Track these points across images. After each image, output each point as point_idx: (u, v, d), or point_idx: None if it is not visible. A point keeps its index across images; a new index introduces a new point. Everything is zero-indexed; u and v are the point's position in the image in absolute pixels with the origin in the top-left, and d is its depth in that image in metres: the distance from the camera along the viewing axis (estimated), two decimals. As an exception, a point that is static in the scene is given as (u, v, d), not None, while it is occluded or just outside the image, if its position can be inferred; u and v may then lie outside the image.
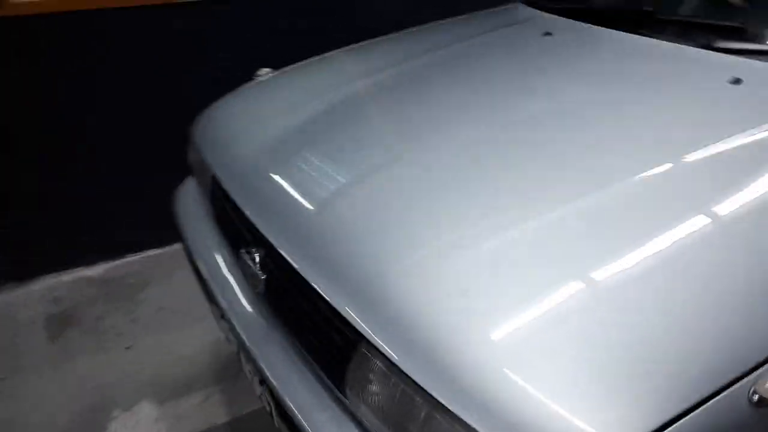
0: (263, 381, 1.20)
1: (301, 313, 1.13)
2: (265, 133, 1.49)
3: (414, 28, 2.05)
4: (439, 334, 0.84)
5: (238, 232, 1.34)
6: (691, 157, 1.09)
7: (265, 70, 1.87)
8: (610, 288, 0.86)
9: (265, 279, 1.20)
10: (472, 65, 1.67)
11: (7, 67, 2.35)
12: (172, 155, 2.58)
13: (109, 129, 2.59)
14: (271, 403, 1.21)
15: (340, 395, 1.03)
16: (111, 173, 2.64)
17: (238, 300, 1.35)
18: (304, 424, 1.05)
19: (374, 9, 2.96)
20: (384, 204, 1.12)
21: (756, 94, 1.26)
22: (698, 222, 0.95)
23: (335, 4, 2.92)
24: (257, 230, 1.22)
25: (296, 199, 1.22)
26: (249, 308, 1.32)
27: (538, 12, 1.89)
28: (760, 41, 1.39)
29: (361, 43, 1.99)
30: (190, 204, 1.72)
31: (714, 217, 0.96)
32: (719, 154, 1.09)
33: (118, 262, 2.75)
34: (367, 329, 0.93)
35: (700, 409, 0.72)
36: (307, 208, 1.18)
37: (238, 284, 1.39)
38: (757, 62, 1.34)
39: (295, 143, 1.43)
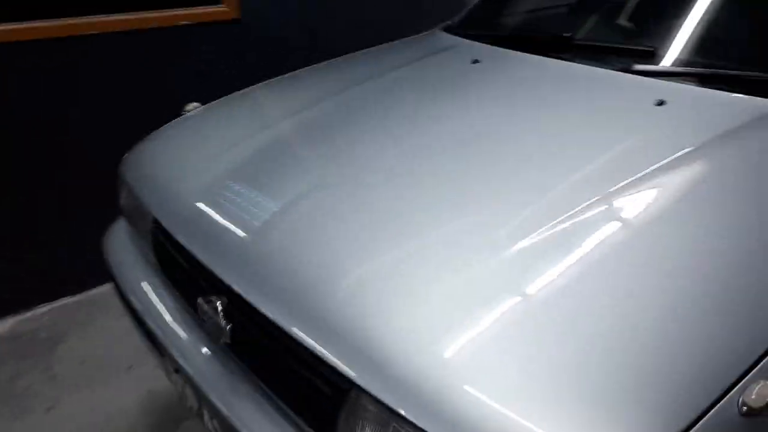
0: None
1: (276, 363, 1.08)
2: (208, 171, 1.44)
3: (341, 58, 2.05)
4: (429, 372, 0.84)
5: (190, 280, 1.28)
6: (625, 173, 1.15)
7: (193, 104, 1.81)
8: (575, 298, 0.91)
9: (231, 328, 1.14)
10: (406, 92, 1.69)
11: None
12: (85, 196, 2.47)
13: (12, 168, 2.40)
14: None
15: None
16: (15, 216, 2.45)
17: (197, 353, 1.28)
18: None
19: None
20: (355, 241, 1.11)
21: (679, 114, 1.37)
22: (652, 240, 1.01)
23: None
24: (216, 277, 1.17)
25: (257, 242, 1.18)
26: (210, 360, 1.25)
27: (461, 39, 1.95)
28: (678, 65, 1.51)
29: (289, 74, 1.97)
30: (123, 250, 1.62)
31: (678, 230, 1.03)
32: (650, 168, 1.16)
33: (27, 314, 2.54)
34: (358, 377, 0.90)
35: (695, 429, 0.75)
36: (271, 252, 1.14)
37: (194, 335, 1.31)
38: (677, 84, 1.45)
39: (238, 180, 1.39)
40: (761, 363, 0.81)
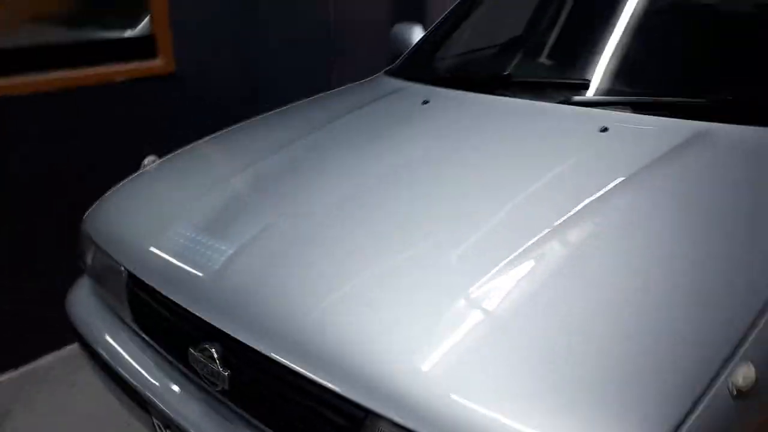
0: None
1: (282, 403, 1.09)
2: (180, 223, 1.44)
3: (293, 105, 2.11)
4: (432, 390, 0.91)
5: (175, 332, 1.27)
6: (582, 194, 1.27)
7: (151, 157, 1.80)
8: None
9: (229, 375, 1.14)
10: (364, 134, 1.77)
11: None
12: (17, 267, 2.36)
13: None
14: None
15: None
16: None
17: (190, 405, 1.26)
18: None
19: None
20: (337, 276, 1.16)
21: (621, 138, 1.51)
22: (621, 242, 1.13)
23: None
24: (209, 325, 1.17)
25: (248, 287, 1.19)
26: (205, 411, 1.23)
27: (407, 82, 2.05)
28: (612, 95, 1.67)
29: (244, 123, 2.00)
30: (91, 310, 1.57)
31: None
32: (611, 184, 1.30)
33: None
34: (375, 406, 0.94)
35: (690, 420, 0.83)
36: (264, 294, 1.16)
37: (183, 387, 1.30)
38: (615, 112, 1.60)
39: (213, 229, 1.40)
40: (741, 348, 0.90)
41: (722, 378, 0.87)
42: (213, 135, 1.95)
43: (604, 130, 1.52)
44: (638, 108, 1.60)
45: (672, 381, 0.87)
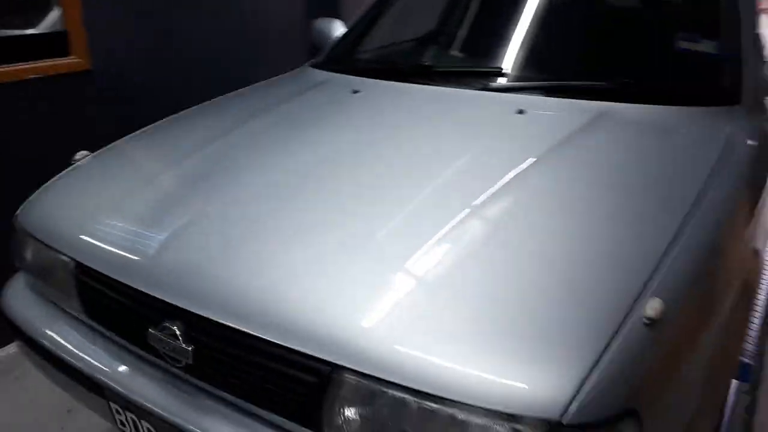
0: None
1: (247, 371, 1.15)
2: (124, 212, 1.47)
3: (220, 98, 2.14)
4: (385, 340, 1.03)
5: (134, 315, 1.30)
6: (504, 168, 1.42)
7: (82, 152, 1.80)
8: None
9: (193, 350, 1.19)
10: (298, 123, 1.84)
11: None
12: None
13: None
14: None
15: None
16: None
17: (149, 384, 1.29)
18: None
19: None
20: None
21: (537, 119, 1.68)
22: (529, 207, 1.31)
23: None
24: (169, 305, 1.22)
25: (206, 265, 1.25)
26: (166, 388, 1.28)
27: (333, 74, 2.14)
28: (526, 80, 1.85)
29: (173, 116, 2.02)
30: (31, 304, 1.56)
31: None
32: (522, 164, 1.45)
33: None
34: (340, 360, 1.03)
35: (609, 350, 0.97)
36: (224, 270, 1.23)
37: (140, 369, 1.33)
38: (529, 96, 1.77)
39: (159, 215, 1.44)
40: (650, 288, 1.06)
41: (635, 312, 1.02)
42: (145, 128, 1.96)
43: (521, 112, 1.69)
44: (550, 91, 1.78)
45: (593, 318, 1.02)
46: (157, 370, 1.31)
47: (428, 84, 1.93)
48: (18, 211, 1.62)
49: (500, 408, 0.93)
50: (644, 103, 1.68)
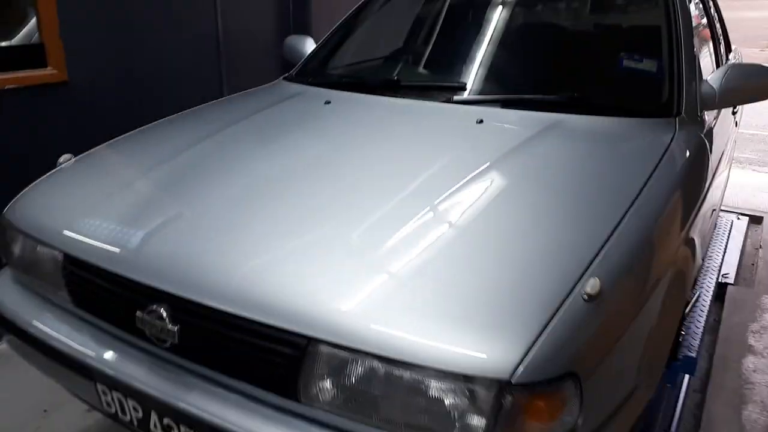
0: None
1: (228, 348, 1.26)
2: (110, 208, 1.57)
3: (197, 108, 2.26)
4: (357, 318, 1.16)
5: (122, 301, 1.39)
6: (465, 170, 1.57)
7: (66, 156, 1.89)
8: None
9: (179, 330, 1.29)
10: (273, 131, 1.97)
11: None
12: None
13: None
14: None
15: (288, 402, 1.21)
16: None
17: (136, 364, 1.39)
18: None
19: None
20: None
21: (494, 128, 1.84)
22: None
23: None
24: (154, 290, 1.32)
25: (188, 253, 1.36)
26: (152, 368, 1.37)
27: (306, 87, 2.29)
28: (485, 94, 2.01)
29: (153, 124, 2.13)
30: (18, 297, 1.64)
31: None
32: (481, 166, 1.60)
33: None
34: (314, 334, 1.15)
35: (553, 321, 1.11)
36: (202, 256, 1.34)
37: (126, 351, 1.42)
38: (488, 108, 1.93)
39: (142, 211, 1.56)
40: (590, 268, 1.21)
41: (576, 290, 1.16)
42: (125, 135, 2.06)
43: (480, 122, 1.85)
44: (506, 104, 1.95)
45: (539, 295, 1.16)
46: (142, 353, 1.41)
47: (396, 96, 2.08)
48: (5, 210, 1.70)
49: (458, 370, 1.06)
50: (592, 115, 1.85)
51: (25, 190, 1.74)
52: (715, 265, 3.02)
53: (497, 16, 2.29)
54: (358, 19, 2.66)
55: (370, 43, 2.66)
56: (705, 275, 2.80)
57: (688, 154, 1.75)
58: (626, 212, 1.37)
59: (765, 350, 2.68)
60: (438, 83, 2.15)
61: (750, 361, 2.60)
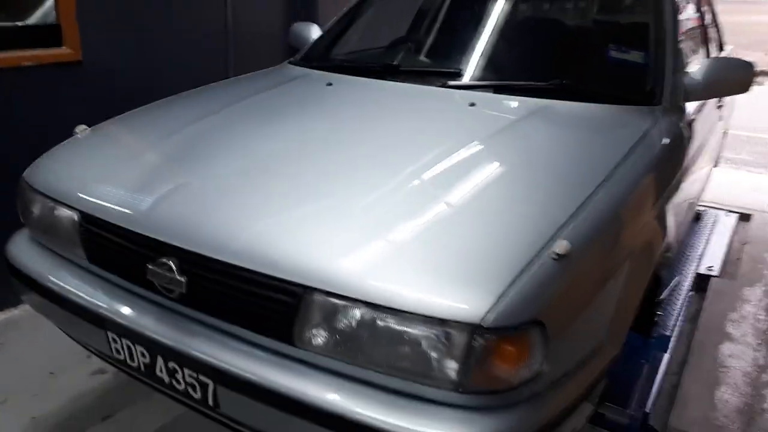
0: (198, 374, 1.41)
1: (232, 298, 1.38)
2: (125, 173, 1.70)
3: (209, 85, 2.38)
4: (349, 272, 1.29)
5: (134, 256, 1.51)
6: (455, 146, 1.70)
7: (82, 126, 2.01)
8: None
9: (186, 281, 1.42)
10: (279, 107, 2.10)
11: None
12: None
13: None
14: (211, 389, 1.41)
15: (284, 346, 1.34)
16: None
17: (146, 314, 1.51)
18: (265, 383, 1.32)
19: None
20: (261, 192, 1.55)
21: (485, 110, 1.96)
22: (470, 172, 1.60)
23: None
24: (165, 245, 1.44)
25: (197, 211, 1.49)
26: (160, 317, 1.49)
27: (310, 70, 2.41)
28: (477, 80, 2.14)
29: (162, 100, 2.25)
30: (35, 255, 1.76)
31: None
32: (474, 140, 1.75)
33: None
34: (310, 283, 1.28)
35: (523, 275, 1.24)
36: (213, 213, 1.47)
37: (137, 303, 1.55)
38: (480, 92, 2.05)
39: (153, 175, 1.69)
40: (560, 233, 1.34)
41: (546, 250, 1.29)
42: (137, 108, 2.18)
43: (472, 105, 1.97)
44: (498, 90, 2.07)
45: (512, 252, 1.29)
46: (151, 304, 1.53)
47: (395, 80, 2.20)
48: (24, 173, 1.82)
49: (437, 315, 1.19)
50: (579, 101, 1.97)
51: (43, 155, 1.86)
52: (696, 254, 3.14)
53: (493, 9, 2.41)
54: (361, 9, 2.78)
55: (372, 32, 2.79)
56: (685, 264, 2.92)
57: (664, 140, 1.87)
58: (598, 187, 1.50)
59: (742, 337, 2.80)
60: (434, 69, 2.28)
61: (726, 347, 2.72)
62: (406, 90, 2.14)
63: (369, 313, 1.24)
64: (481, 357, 1.18)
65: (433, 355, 1.21)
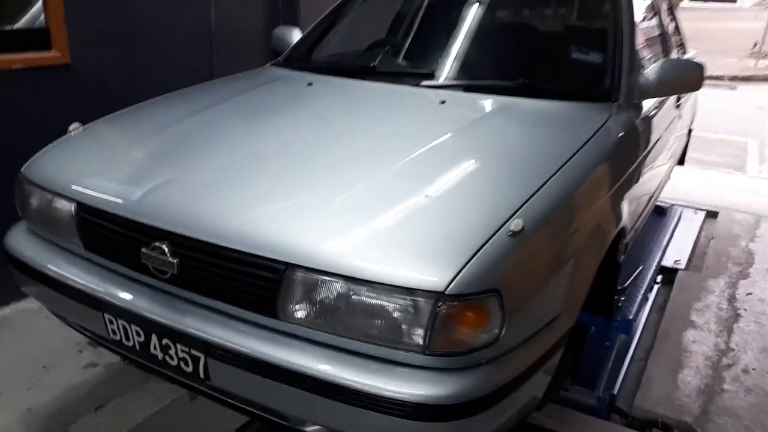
0: (191, 348, 1.53)
1: (223, 275, 1.51)
2: (118, 167, 1.82)
3: (195, 86, 2.51)
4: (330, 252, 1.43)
5: (128, 241, 1.63)
6: (425, 140, 1.84)
7: (75, 124, 2.12)
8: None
9: (178, 262, 1.54)
10: (261, 107, 2.23)
11: None
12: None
13: None
14: (202, 362, 1.53)
15: (268, 320, 1.46)
16: None
17: (140, 295, 1.63)
18: (252, 353, 1.45)
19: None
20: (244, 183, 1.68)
21: (454, 107, 2.12)
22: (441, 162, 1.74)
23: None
24: (158, 230, 1.57)
25: (190, 198, 1.62)
26: (154, 298, 1.61)
27: (292, 71, 2.55)
28: (448, 80, 2.30)
29: (152, 99, 2.37)
30: (34, 244, 1.88)
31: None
32: (446, 134, 1.89)
33: None
34: (291, 260, 1.41)
35: (482, 250, 1.38)
36: (201, 201, 1.60)
37: (130, 287, 1.66)
38: (450, 91, 2.21)
39: (145, 168, 1.82)
40: (516, 213, 1.48)
41: (502, 229, 1.43)
42: (126, 108, 2.30)
43: (443, 102, 2.12)
44: (467, 89, 2.23)
45: (472, 230, 1.43)
46: (144, 287, 1.65)
47: (373, 81, 2.35)
48: (23, 168, 1.93)
49: (405, 285, 1.33)
50: (541, 99, 2.12)
51: (40, 152, 1.98)
52: (661, 247, 3.31)
53: (465, 14, 2.57)
54: (340, 14, 2.93)
55: (351, 35, 2.94)
56: (649, 255, 3.10)
57: (618, 134, 2.03)
58: (553, 174, 1.65)
59: (705, 325, 2.96)
60: (408, 70, 2.43)
61: (690, 334, 2.88)
62: (382, 89, 2.28)
63: (345, 287, 1.38)
64: (445, 322, 1.32)
65: (403, 321, 1.35)
